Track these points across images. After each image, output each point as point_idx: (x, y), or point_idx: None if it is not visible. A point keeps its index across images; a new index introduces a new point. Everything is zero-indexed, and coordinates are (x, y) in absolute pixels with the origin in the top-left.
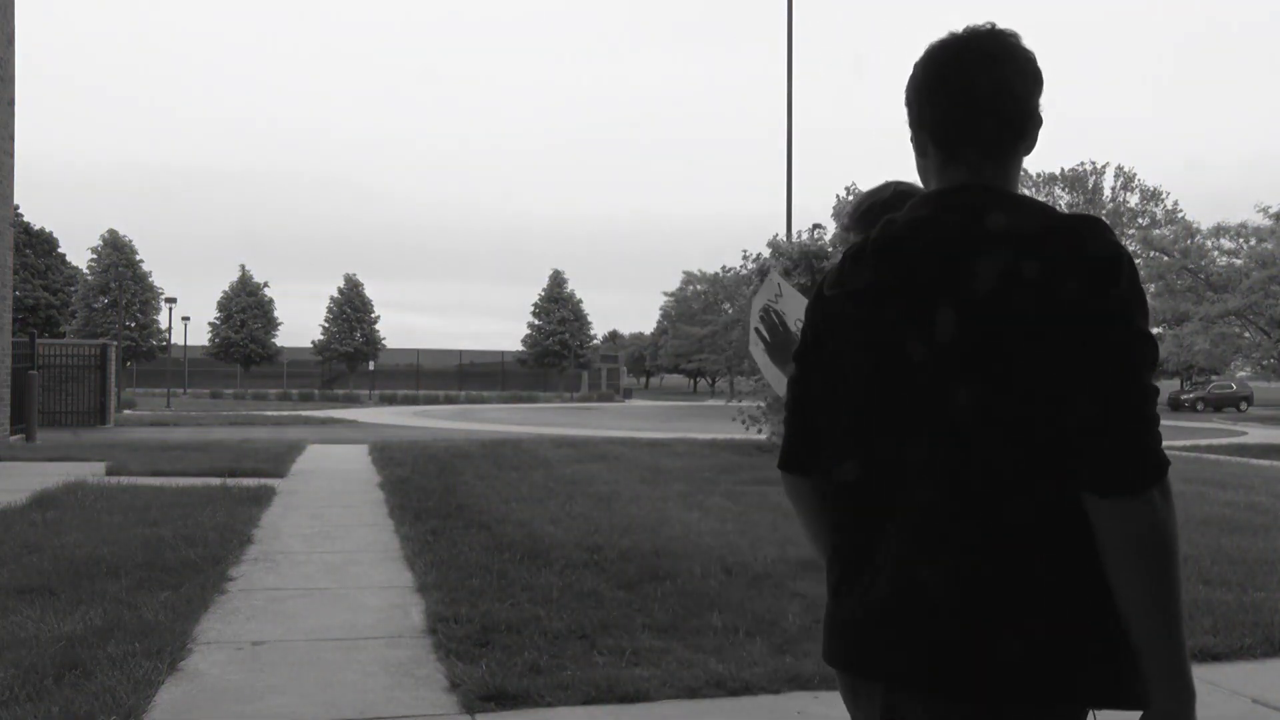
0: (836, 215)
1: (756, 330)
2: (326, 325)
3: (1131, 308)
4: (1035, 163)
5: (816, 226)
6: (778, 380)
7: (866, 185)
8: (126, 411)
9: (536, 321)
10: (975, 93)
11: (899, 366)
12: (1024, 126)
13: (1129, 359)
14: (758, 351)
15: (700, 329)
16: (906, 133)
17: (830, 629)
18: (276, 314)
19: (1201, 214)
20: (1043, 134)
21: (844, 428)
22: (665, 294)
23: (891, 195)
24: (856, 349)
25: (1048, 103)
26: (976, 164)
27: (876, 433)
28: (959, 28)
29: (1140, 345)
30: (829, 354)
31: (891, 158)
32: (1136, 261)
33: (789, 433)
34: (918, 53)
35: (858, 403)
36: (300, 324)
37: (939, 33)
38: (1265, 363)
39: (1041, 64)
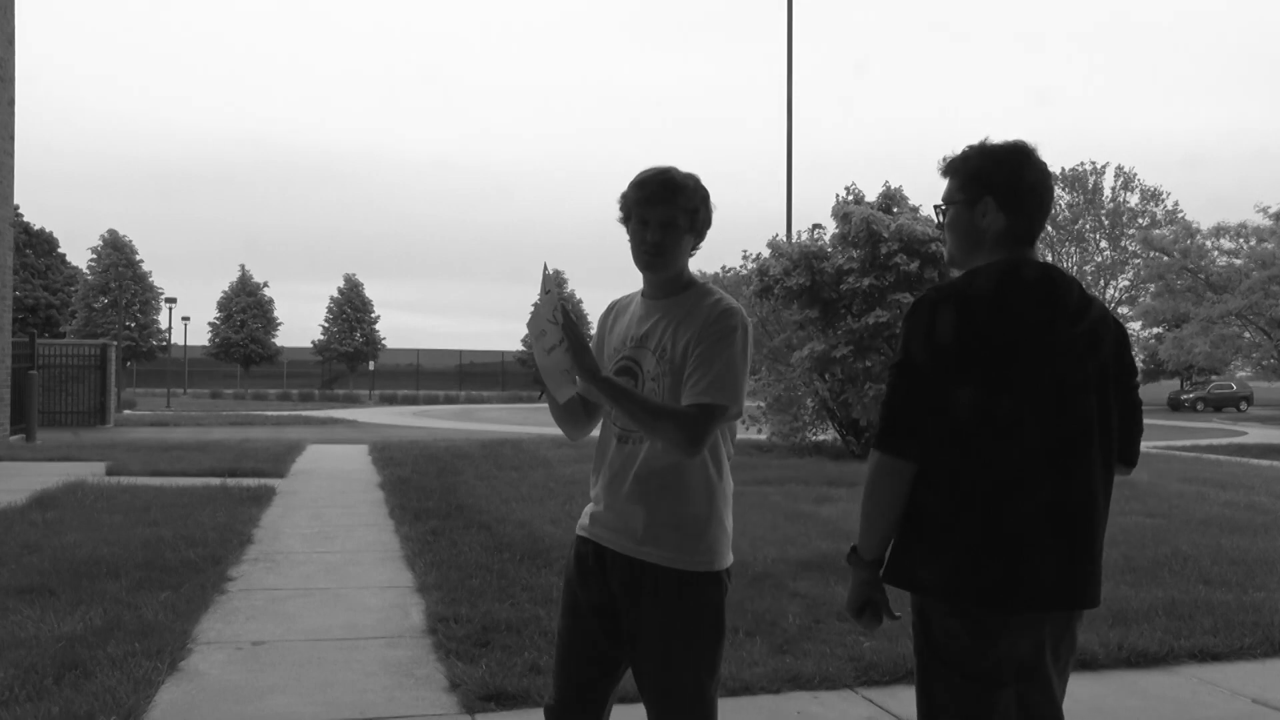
0: (836, 215)
1: (559, 327)
2: (326, 325)
3: None
4: None
5: (816, 226)
6: (562, 383)
7: (866, 185)
8: (126, 411)
9: None
10: (1047, 199)
11: (1068, 384)
12: None
13: None
14: (557, 353)
15: None
16: (905, 135)
17: (990, 579)
18: (276, 314)
19: (1201, 214)
20: (1042, 133)
21: (989, 427)
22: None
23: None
24: (1035, 369)
25: (1049, 102)
26: (1030, 241)
27: (1022, 432)
28: (1017, 139)
29: None
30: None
31: (891, 158)
32: (1136, 261)
33: (909, 426)
34: (918, 53)
35: (1004, 412)
36: (300, 324)
37: (939, 36)
38: (1265, 363)
39: (1042, 63)
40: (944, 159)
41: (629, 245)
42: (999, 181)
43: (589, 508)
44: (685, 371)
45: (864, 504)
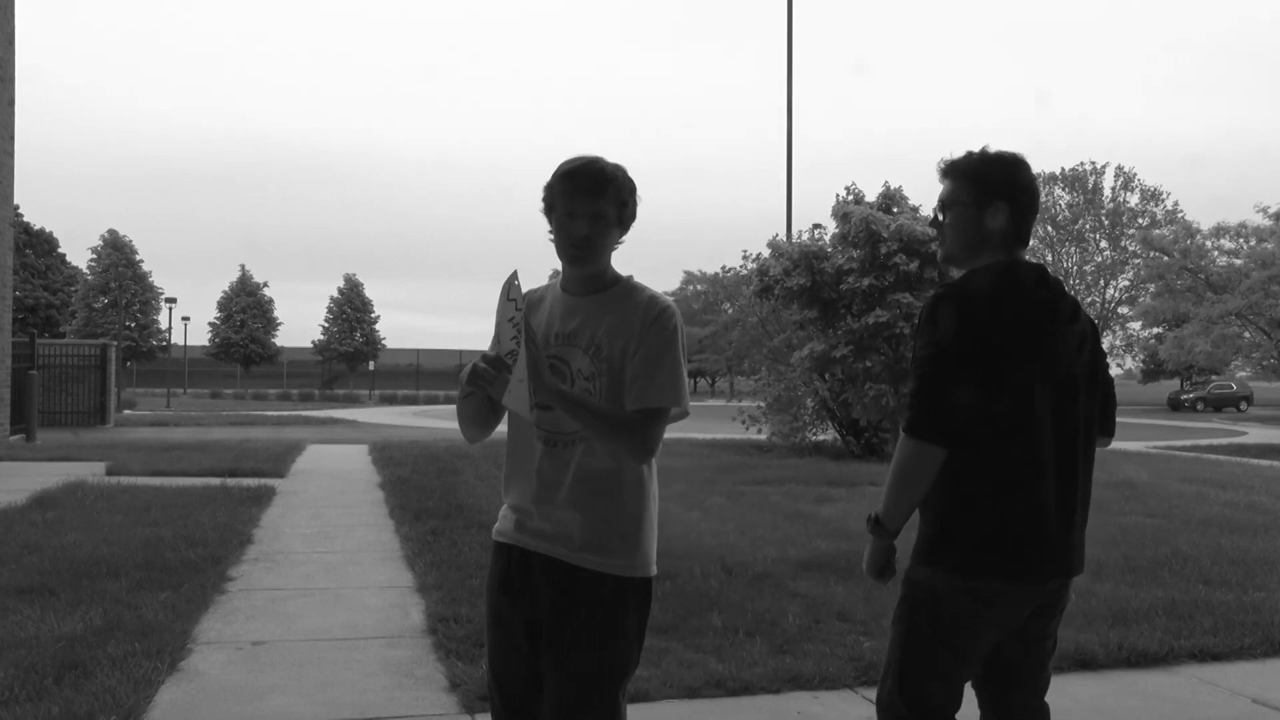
0: (836, 215)
1: (525, 343)
2: (326, 325)
3: None
4: (1035, 163)
5: (816, 226)
6: (523, 400)
7: (866, 185)
8: (126, 411)
9: None
10: (1037, 202)
11: (1058, 376)
12: None
13: None
14: (519, 368)
15: (700, 329)
16: (905, 134)
17: (1008, 556)
18: (276, 314)
19: (1201, 214)
20: (1042, 133)
21: (1012, 417)
22: (665, 294)
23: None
24: (1030, 366)
25: (1049, 102)
26: (1026, 242)
27: (1040, 422)
28: (1018, 151)
29: None
30: (993, 368)
31: (891, 158)
32: (1136, 261)
33: (937, 413)
34: (918, 53)
35: (1026, 403)
36: (300, 324)
37: (941, 38)
38: (1265, 363)
39: (1043, 64)
40: (943, 161)
41: (552, 238)
42: (1007, 186)
43: (508, 514)
44: (628, 373)
45: (892, 482)
